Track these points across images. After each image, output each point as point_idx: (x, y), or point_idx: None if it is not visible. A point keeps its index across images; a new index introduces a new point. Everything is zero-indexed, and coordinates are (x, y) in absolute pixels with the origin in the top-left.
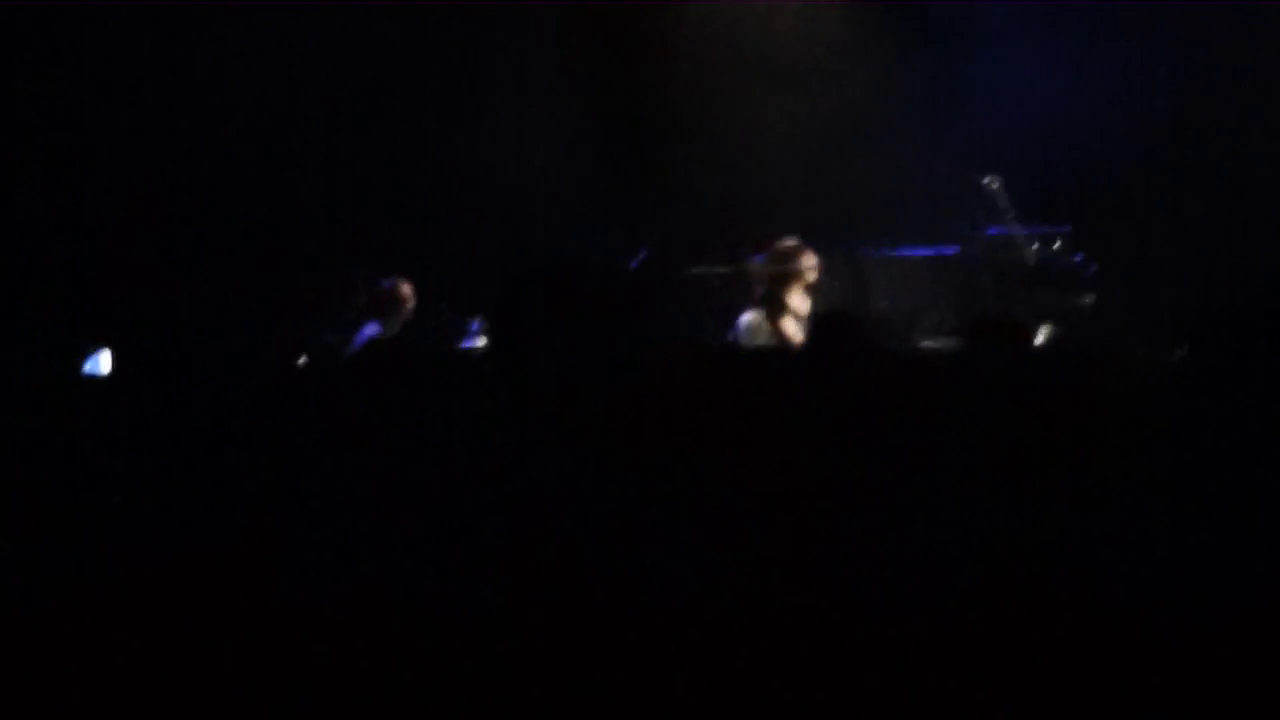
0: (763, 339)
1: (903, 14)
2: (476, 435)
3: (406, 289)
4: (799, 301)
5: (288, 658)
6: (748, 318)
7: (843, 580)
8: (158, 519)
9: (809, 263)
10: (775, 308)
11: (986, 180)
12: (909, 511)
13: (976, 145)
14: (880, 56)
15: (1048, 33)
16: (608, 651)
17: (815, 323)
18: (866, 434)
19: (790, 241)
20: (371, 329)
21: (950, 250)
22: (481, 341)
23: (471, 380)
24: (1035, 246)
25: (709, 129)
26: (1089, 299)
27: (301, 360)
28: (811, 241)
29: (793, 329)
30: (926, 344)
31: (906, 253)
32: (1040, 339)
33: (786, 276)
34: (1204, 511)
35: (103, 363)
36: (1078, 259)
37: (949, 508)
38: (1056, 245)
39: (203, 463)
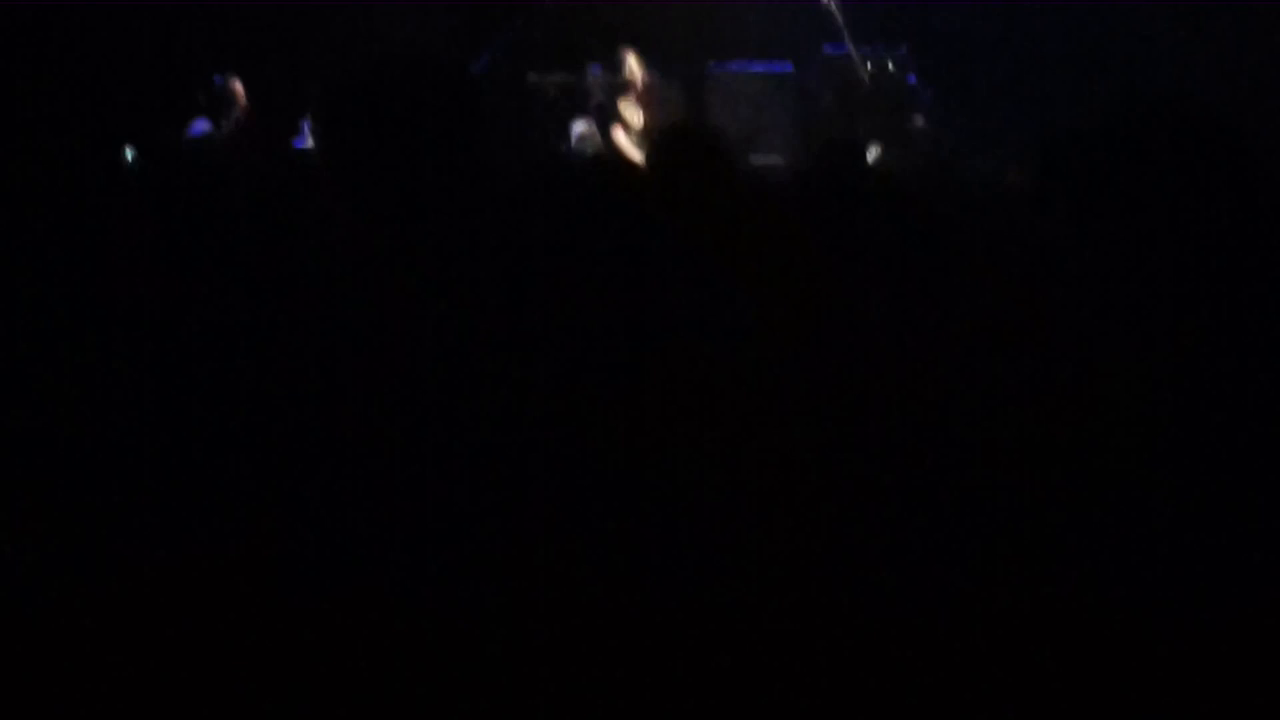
0: (594, 149)
1: None
2: (309, 237)
3: (238, 86)
4: (631, 113)
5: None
6: (580, 127)
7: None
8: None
9: (639, 73)
10: (607, 118)
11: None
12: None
13: None
14: None
15: None
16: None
17: (649, 135)
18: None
19: (625, 53)
20: (201, 125)
21: (786, 67)
22: (311, 143)
23: (305, 179)
24: (870, 66)
25: None
26: (921, 121)
27: (130, 157)
28: (649, 55)
29: (624, 140)
30: (761, 160)
31: (744, 69)
32: (871, 158)
33: (620, 87)
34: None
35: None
36: (912, 80)
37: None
38: (891, 66)
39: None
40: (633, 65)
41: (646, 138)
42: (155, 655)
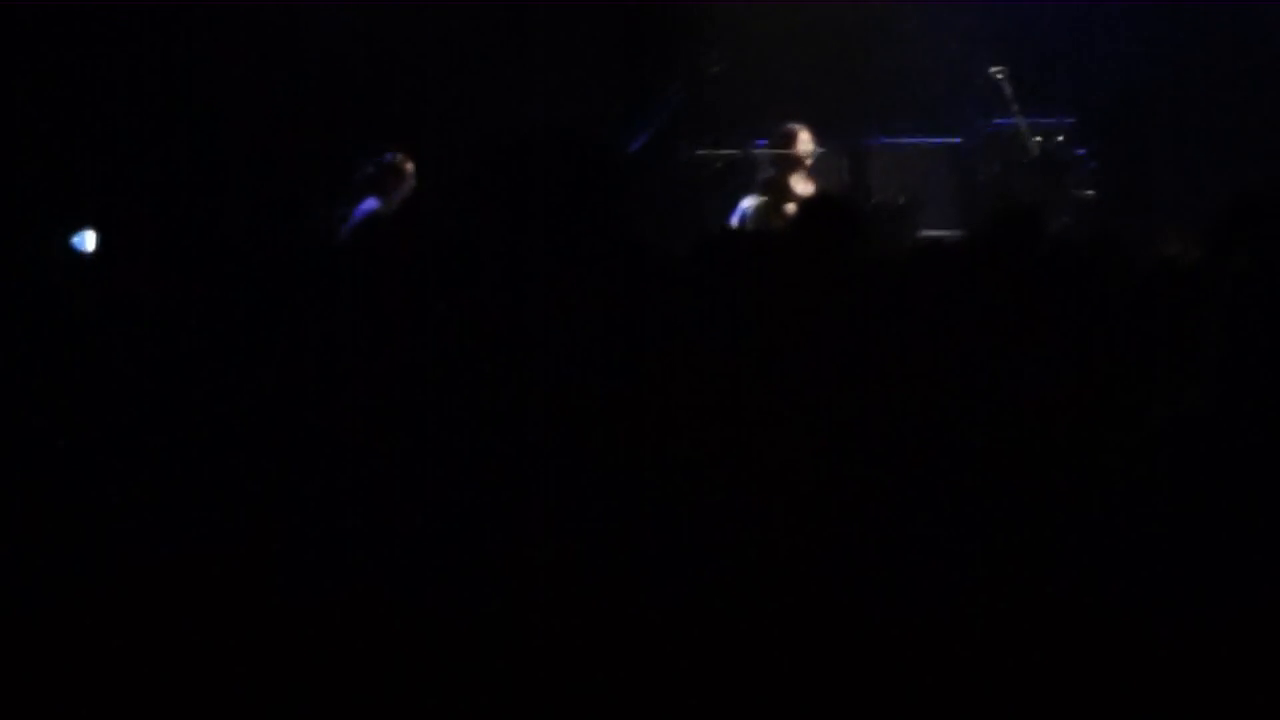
0: (765, 224)
1: None
2: (475, 311)
3: (407, 164)
4: (801, 186)
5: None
6: (749, 202)
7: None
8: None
9: (810, 147)
10: (777, 192)
11: (991, 70)
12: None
13: (985, 35)
14: None
15: None
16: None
17: (813, 207)
18: (872, 318)
19: (793, 126)
20: (370, 204)
21: (954, 140)
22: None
23: (467, 257)
24: (1038, 138)
25: (715, 11)
26: (1090, 192)
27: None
28: (816, 127)
29: (793, 213)
30: (928, 233)
31: (911, 141)
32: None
33: (789, 161)
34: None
35: (89, 240)
36: (1081, 152)
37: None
38: (1059, 138)
39: (198, 340)
40: (802, 139)
41: (811, 209)
42: (155, 655)
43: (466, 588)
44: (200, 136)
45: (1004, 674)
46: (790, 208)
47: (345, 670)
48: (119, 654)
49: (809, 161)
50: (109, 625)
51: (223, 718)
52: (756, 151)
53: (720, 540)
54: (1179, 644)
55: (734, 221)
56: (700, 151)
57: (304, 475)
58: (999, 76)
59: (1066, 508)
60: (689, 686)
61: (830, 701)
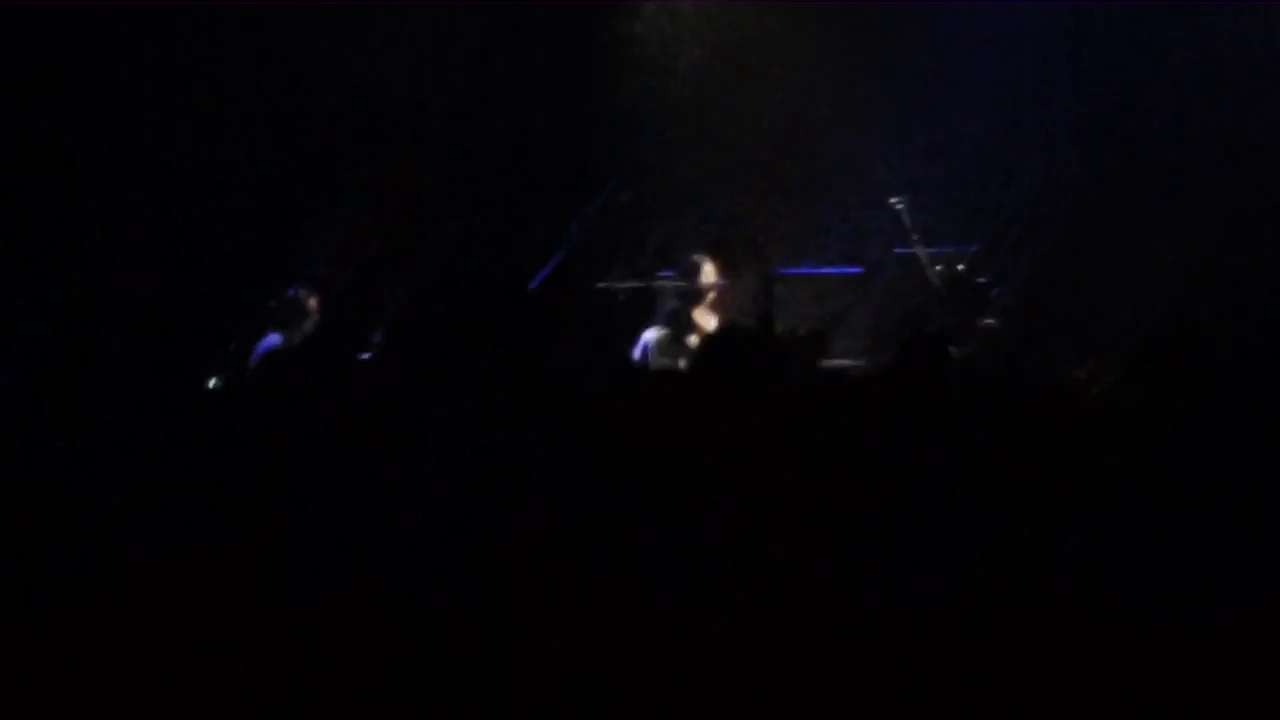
0: (668, 357)
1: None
2: (371, 443)
3: (311, 300)
4: (705, 318)
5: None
6: (653, 334)
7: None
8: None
9: (713, 279)
10: (681, 325)
11: (893, 201)
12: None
13: (888, 163)
14: (787, 67)
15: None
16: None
17: (719, 341)
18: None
19: (697, 258)
20: (272, 339)
21: (857, 270)
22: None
23: (368, 392)
24: (939, 267)
25: (621, 137)
26: (992, 320)
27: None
28: (722, 258)
29: (696, 345)
30: (836, 363)
31: (814, 271)
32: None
33: (694, 293)
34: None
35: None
36: (982, 280)
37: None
38: (960, 267)
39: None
40: (707, 271)
41: (716, 343)
42: (154, 655)
43: (466, 588)
44: (197, 140)
45: (1004, 674)
46: (693, 340)
47: (345, 670)
48: (119, 654)
49: (713, 295)
50: (109, 625)
51: (223, 718)
52: (660, 283)
53: None
54: (1179, 644)
55: (636, 354)
56: (602, 285)
57: (301, 477)
58: (898, 206)
59: None
60: (689, 686)
61: (831, 701)
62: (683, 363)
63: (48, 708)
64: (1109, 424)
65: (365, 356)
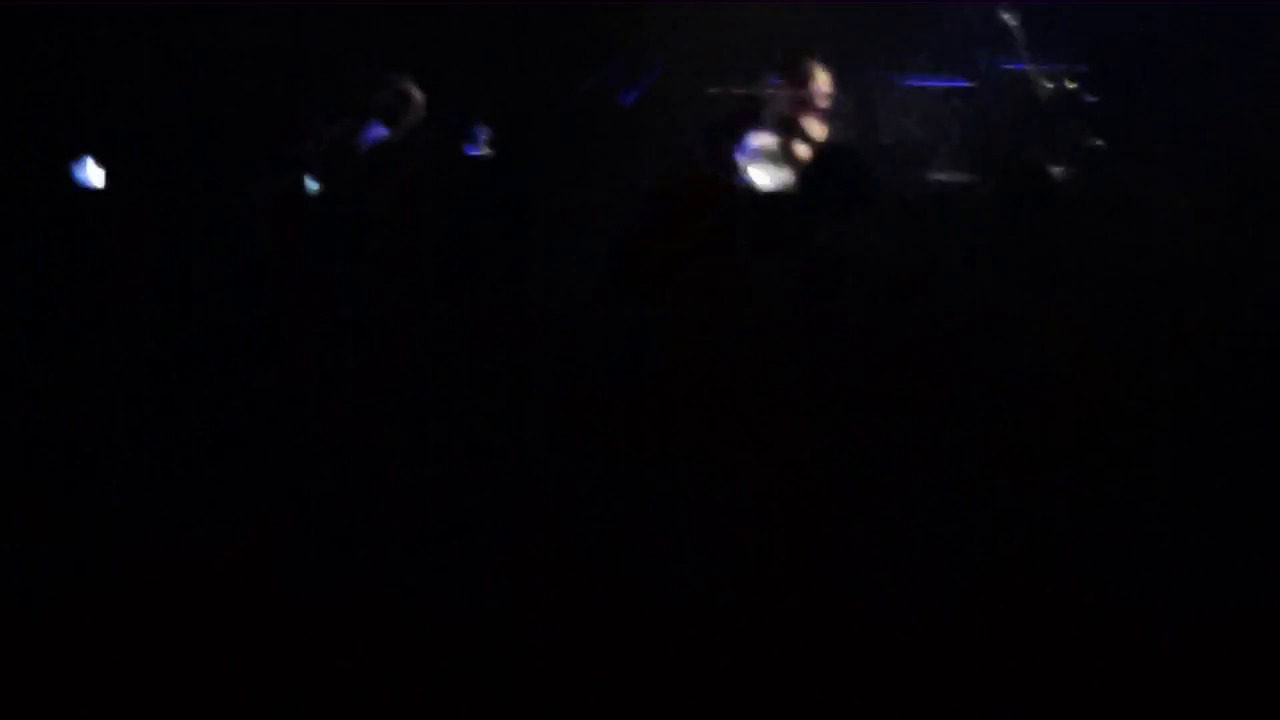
0: (774, 163)
1: None
2: (478, 243)
3: (416, 92)
4: (813, 126)
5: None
6: (759, 141)
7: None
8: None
9: (823, 87)
10: (788, 131)
11: (1003, 14)
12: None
13: None
14: None
15: None
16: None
17: (824, 155)
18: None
19: (811, 64)
20: (377, 130)
21: (964, 83)
22: (487, 151)
23: (477, 186)
24: (1050, 84)
25: None
26: (1101, 141)
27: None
28: (827, 66)
29: (805, 154)
30: (939, 177)
31: (922, 83)
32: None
33: (801, 100)
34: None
35: (91, 172)
36: (1092, 100)
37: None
38: (1072, 85)
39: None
40: (819, 78)
41: (821, 157)
42: (155, 655)
43: (466, 588)
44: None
45: (1004, 674)
46: (799, 148)
47: (345, 670)
48: (119, 654)
49: (824, 102)
50: (109, 625)
51: (223, 718)
52: (770, 89)
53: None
54: (1179, 644)
55: (742, 159)
56: (712, 90)
57: (302, 472)
58: (1010, 20)
59: (1068, 502)
60: (688, 686)
61: (830, 701)
62: (788, 171)
63: (48, 707)
64: (1109, 424)
65: (473, 151)
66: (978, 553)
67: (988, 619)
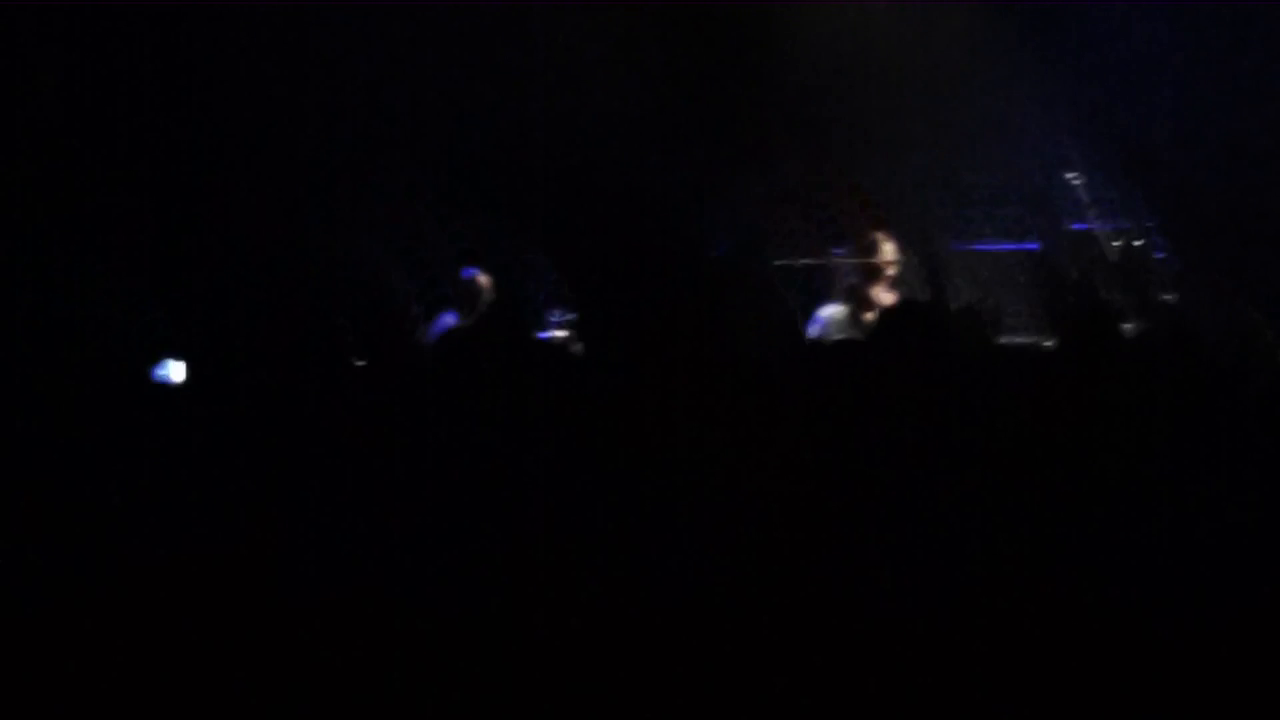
0: (844, 332)
1: (991, 14)
2: (557, 425)
3: (485, 280)
4: (881, 294)
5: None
6: (829, 310)
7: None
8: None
9: (892, 255)
10: (858, 300)
11: (1070, 176)
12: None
13: (1062, 141)
14: (962, 56)
15: (1134, 33)
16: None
17: (893, 318)
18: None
19: (874, 234)
20: (449, 318)
21: (1033, 246)
22: (560, 333)
23: (553, 369)
24: (1118, 243)
25: (799, 120)
26: (1172, 296)
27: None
28: (895, 235)
29: (873, 321)
30: (1009, 340)
31: (989, 248)
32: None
33: (870, 269)
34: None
35: (174, 371)
36: (1161, 255)
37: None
38: (1140, 242)
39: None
40: (885, 247)
41: (890, 320)
42: (154, 655)
43: (455, 587)
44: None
45: (1004, 674)
46: (869, 317)
47: (345, 670)
48: (119, 653)
49: (889, 271)
50: (109, 625)
51: (222, 717)
52: (837, 259)
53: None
54: (1179, 644)
55: (813, 331)
56: (782, 260)
57: (302, 472)
58: (1076, 181)
59: None
60: (688, 686)
61: (831, 701)
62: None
63: (48, 708)
64: (1108, 423)
65: (544, 335)
66: (977, 553)
67: (988, 619)
